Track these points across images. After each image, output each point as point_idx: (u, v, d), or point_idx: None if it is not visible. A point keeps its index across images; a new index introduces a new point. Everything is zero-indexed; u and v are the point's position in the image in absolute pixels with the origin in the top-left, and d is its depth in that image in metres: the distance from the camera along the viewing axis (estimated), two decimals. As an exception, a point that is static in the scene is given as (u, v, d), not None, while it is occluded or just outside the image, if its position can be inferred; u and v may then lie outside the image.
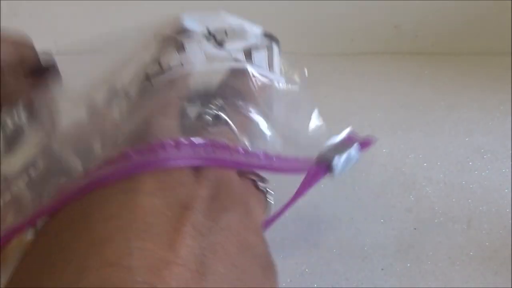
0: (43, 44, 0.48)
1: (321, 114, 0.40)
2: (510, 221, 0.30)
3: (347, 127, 0.38)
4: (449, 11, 0.46)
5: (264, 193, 0.23)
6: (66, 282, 0.14)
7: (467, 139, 0.37)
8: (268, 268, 0.20)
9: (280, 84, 0.24)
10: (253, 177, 0.22)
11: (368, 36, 0.48)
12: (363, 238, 0.29)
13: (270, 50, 0.24)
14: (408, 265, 0.27)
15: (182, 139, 0.19)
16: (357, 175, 0.33)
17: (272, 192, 0.23)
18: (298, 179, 0.23)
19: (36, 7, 0.46)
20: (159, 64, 0.22)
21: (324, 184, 0.33)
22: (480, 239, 0.29)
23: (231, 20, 0.24)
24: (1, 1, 0.46)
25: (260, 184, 0.22)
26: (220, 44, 0.23)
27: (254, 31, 0.24)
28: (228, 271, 0.17)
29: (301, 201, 0.31)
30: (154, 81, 0.22)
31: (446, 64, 0.46)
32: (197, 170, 0.19)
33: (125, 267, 0.15)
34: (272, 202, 0.23)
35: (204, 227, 0.17)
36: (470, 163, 0.34)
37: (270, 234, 0.29)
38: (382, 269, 0.27)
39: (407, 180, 0.33)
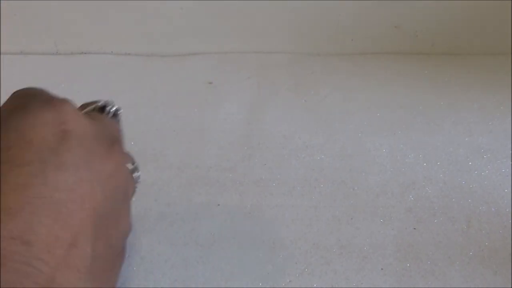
0: (43, 44, 0.48)
1: (321, 114, 0.40)
2: (510, 221, 0.30)
3: (347, 127, 0.38)
4: (449, 11, 0.46)
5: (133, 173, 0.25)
6: None
7: (467, 139, 0.37)
8: (125, 248, 0.22)
9: None
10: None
11: (368, 36, 0.47)
12: (363, 238, 0.29)
13: None
14: (408, 265, 0.27)
15: None
16: (357, 175, 0.33)
17: (139, 174, 0.25)
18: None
19: (36, 7, 0.46)
20: None
21: (324, 183, 0.33)
22: (480, 239, 0.29)
23: None
24: (1, 1, 0.46)
25: (130, 165, 0.24)
26: None
27: None
28: (106, 251, 0.19)
29: (301, 201, 0.31)
30: None
31: (446, 64, 0.46)
32: (108, 145, 0.21)
33: (24, 242, 0.15)
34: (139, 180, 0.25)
35: (101, 207, 0.18)
36: (470, 163, 0.34)
37: (270, 234, 0.29)
38: (382, 269, 0.27)
39: (407, 180, 0.33)
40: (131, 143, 0.36)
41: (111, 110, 0.25)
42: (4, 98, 0.21)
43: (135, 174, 0.24)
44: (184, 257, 0.27)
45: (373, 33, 0.47)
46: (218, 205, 0.31)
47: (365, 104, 0.41)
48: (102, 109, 0.25)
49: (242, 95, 0.42)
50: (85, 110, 0.24)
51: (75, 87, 0.43)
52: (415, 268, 0.27)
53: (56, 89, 0.23)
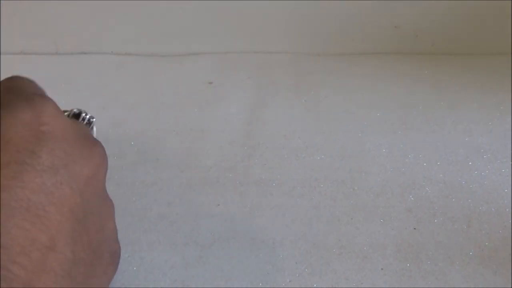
0: (43, 44, 0.48)
1: (321, 114, 0.40)
2: (510, 221, 0.30)
3: (347, 127, 0.38)
4: (449, 11, 0.46)
5: None
6: None
7: (467, 139, 0.37)
8: (115, 254, 0.22)
9: None
10: None
11: (368, 36, 0.47)
12: (363, 238, 0.29)
13: None
14: (408, 265, 0.27)
15: None
16: (357, 175, 0.33)
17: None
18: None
19: (36, 7, 0.46)
20: None
21: (324, 183, 0.33)
22: (480, 239, 0.29)
23: None
24: (1, 1, 0.46)
25: None
26: None
27: None
28: (87, 255, 0.19)
29: (301, 201, 0.31)
30: None
31: (446, 64, 0.46)
32: (89, 146, 0.21)
33: (1, 245, 0.15)
34: None
35: (80, 210, 0.18)
36: (470, 163, 0.34)
37: (270, 234, 0.29)
38: (382, 269, 0.27)
39: (407, 180, 0.33)
40: (131, 143, 0.36)
41: (86, 117, 0.25)
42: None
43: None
44: (184, 257, 0.27)
45: (373, 33, 0.47)
46: (218, 205, 0.31)
47: (365, 104, 0.41)
48: (77, 116, 0.25)
49: (242, 95, 0.42)
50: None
51: (75, 87, 0.43)
52: (415, 268, 0.27)
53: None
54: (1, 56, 0.47)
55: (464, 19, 0.46)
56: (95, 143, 0.21)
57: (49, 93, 0.22)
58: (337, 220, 0.30)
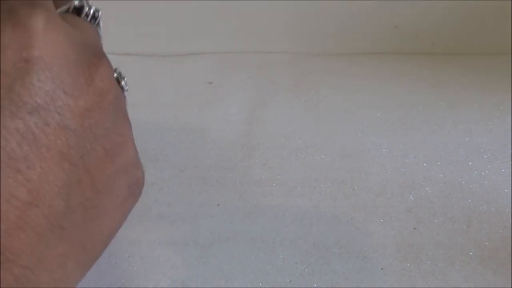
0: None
1: (321, 114, 0.40)
2: (510, 221, 0.30)
3: (347, 127, 0.38)
4: (449, 12, 0.46)
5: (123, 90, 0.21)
6: None
7: (467, 139, 0.37)
8: (134, 184, 0.19)
9: None
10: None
11: (368, 36, 0.47)
12: (363, 238, 0.29)
13: None
14: (408, 265, 0.27)
15: None
16: (357, 175, 0.33)
17: (127, 88, 0.22)
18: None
19: (36, 7, 0.46)
20: None
21: (324, 183, 0.33)
22: (480, 239, 0.29)
23: None
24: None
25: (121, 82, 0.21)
26: None
27: None
28: (94, 196, 0.16)
29: (301, 201, 0.31)
30: None
31: (446, 64, 0.46)
32: (87, 67, 0.16)
33: None
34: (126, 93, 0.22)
35: (75, 152, 0.15)
36: (470, 163, 0.34)
37: (270, 234, 0.29)
38: (382, 269, 0.27)
39: (407, 180, 0.33)
40: (131, 143, 0.36)
41: (90, 12, 0.19)
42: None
43: (122, 84, 0.21)
44: (184, 257, 0.27)
45: (373, 33, 0.47)
46: (218, 205, 0.31)
47: (365, 104, 0.41)
48: (79, 10, 0.19)
49: (242, 95, 0.42)
50: (58, 10, 0.18)
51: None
52: (415, 268, 0.27)
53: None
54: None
55: (464, 19, 0.46)
56: (98, 61, 0.17)
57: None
58: (337, 220, 0.30)
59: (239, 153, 0.35)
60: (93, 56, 0.17)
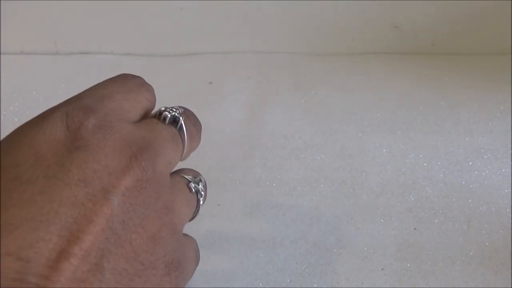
0: (43, 44, 0.48)
1: (321, 114, 0.40)
2: (510, 221, 0.30)
3: (347, 127, 0.38)
4: (449, 11, 0.46)
5: (195, 194, 0.24)
6: None
7: (467, 139, 0.37)
8: (173, 265, 0.20)
9: None
10: (187, 176, 0.24)
11: (368, 36, 0.48)
12: (363, 238, 0.29)
13: None
14: (408, 265, 0.27)
15: None
16: (357, 175, 0.33)
17: (203, 193, 0.24)
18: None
19: (35, 7, 0.46)
20: None
21: (324, 183, 0.33)
22: (480, 239, 0.29)
23: None
24: (1, 1, 0.46)
25: (192, 184, 0.24)
26: None
27: None
28: (130, 266, 0.18)
29: (301, 201, 0.31)
30: None
31: (446, 64, 0.46)
32: (129, 156, 0.19)
33: (21, 258, 0.15)
34: (202, 203, 0.24)
35: (117, 221, 0.18)
36: (470, 163, 0.34)
37: (270, 234, 0.29)
38: (382, 269, 0.27)
39: (407, 180, 0.33)
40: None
41: (168, 116, 0.23)
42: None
43: (198, 194, 0.24)
44: (184, 257, 0.27)
45: (373, 33, 0.47)
46: (218, 205, 0.31)
47: (365, 104, 0.41)
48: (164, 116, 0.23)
49: (242, 95, 0.42)
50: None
51: (75, 87, 0.42)
52: (416, 268, 0.27)
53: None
54: (1, 56, 0.47)
55: (464, 19, 0.46)
56: (142, 149, 0.20)
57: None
58: (337, 220, 0.30)
59: (239, 153, 0.35)
60: (135, 147, 0.20)
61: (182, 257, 0.22)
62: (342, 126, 0.38)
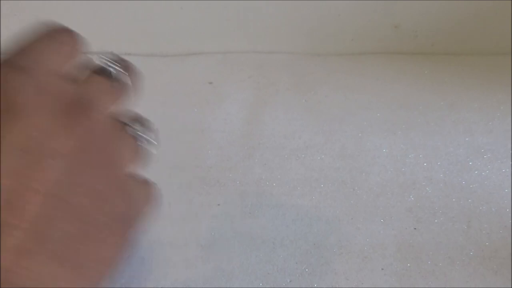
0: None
1: (321, 114, 0.40)
2: (510, 221, 0.30)
3: (347, 127, 0.38)
4: (449, 11, 0.46)
5: (133, 137, 0.23)
6: None
7: (467, 139, 0.37)
8: (124, 218, 0.20)
9: None
10: (124, 121, 0.23)
11: (368, 36, 0.47)
12: (363, 238, 0.29)
13: None
14: (408, 265, 0.27)
15: None
16: (357, 175, 0.33)
17: (146, 137, 0.24)
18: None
19: (36, 7, 0.46)
20: None
21: (324, 183, 0.33)
22: (480, 239, 0.29)
23: None
24: (1, 1, 0.46)
25: (129, 128, 0.23)
26: None
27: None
28: (78, 229, 0.18)
29: (301, 201, 0.31)
30: None
31: (446, 64, 0.46)
32: (65, 115, 0.19)
33: None
34: (146, 147, 0.24)
35: (59, 185, 0.17)
36: (470, 163, 0.34)
37: (270, 234, 0.29)
38: (382, 269, 0.27)
39: (407, 180, 0.33)
40: (131, 143, 0.36)
41: (101, 67, 0.22)
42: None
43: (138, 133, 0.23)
44: (184, 257, 0.27)
45: (373, 33, 0.47)
46: (218, 205, 0.31)
47: (365, 104, 0.41)
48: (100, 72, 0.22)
49: (242, 95, 0.42)
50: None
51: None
52: (416, 268, 0.27)
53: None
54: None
55: (464, 19, 0.46)
56: (86, 106, 0.20)
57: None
58: (337, 220, 0.30)
59: (239, 153, 0.35)
60: (73, 106, 0.19)
61: (133, 205, 0.21)
62: (342, 126, 0.38)
